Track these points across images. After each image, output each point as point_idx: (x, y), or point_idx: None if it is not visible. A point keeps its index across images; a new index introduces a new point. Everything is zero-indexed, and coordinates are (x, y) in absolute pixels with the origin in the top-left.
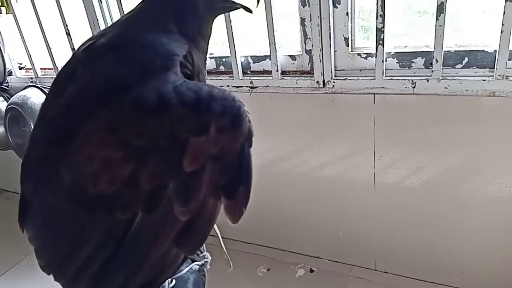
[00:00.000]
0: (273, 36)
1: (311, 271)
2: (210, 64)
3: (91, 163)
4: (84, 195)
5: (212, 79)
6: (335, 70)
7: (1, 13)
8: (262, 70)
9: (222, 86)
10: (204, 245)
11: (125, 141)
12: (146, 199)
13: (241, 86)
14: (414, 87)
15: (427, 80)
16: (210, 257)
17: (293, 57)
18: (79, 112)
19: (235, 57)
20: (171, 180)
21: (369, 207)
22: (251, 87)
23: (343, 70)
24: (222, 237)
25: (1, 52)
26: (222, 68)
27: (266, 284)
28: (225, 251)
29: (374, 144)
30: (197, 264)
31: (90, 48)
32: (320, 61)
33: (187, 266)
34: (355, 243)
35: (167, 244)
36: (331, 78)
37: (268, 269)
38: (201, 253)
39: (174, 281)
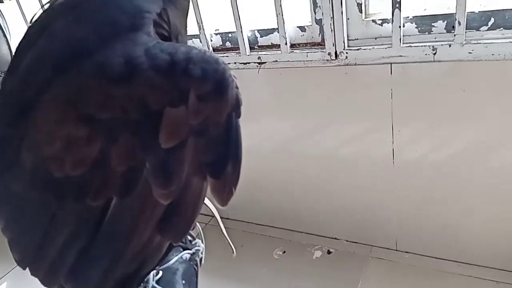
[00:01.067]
0: (280, 6)
1: (329, 252)
2: (216, 41)
3: (52, 143)
4: (49, 179)
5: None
6: (347, 39)
7: (3, 2)
8: (270, 44)
9: (228, 63)
10: (201, 231)
11: (88, 116)
12: (120, 182)
13: (248, 63)
14: (435, 54)
15: (449, 46)
16: (202, 245)
17: (302, 28)
18: (35, 84)
19: (241, 32)
20: (147, 159)
21: (388, 185)
22: (259, 63)
23: (357, 39)
24: (221, 217)
25: (7, 41)
26: (228, 44)
27: (282, 266)
28: (226, 236)
29: (392, 119)
30: (188, 253)
31: (48, 10)
32: (332, 30)
33: (176, 255)
34: (374, 223)
35: (148, 231)
36: (344, 49)
37: (284, 252)
38: (194, 239)
39: (161, 272)
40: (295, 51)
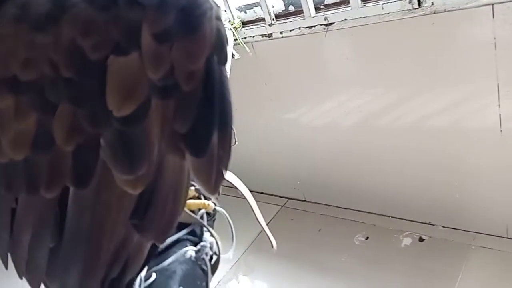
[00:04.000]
0: None
1: (421, 240)
2: (278, 6)
3: None
4: None
5: (281, 24)
6: None
7: None
8: (337, 1)
9: (292, 29)
10: (228, 218)
11: (11, 79)
12: (71, 167)
13: (314, 26)
14: None
15: None
16: (211, 240)
17: None
18: None
19: None
20: (101, 133)
21: (494, 159)
22: (326, 25)
23: None
24: (297, 199)
25: None
26: (291, 8)
27: (365, 254)
28: (264, 227)
29: (497, 75)
30: (193, 250)
31: None
32: None
33: (176, 253)
34: (478, 205)
35: (121, 229)
36: None
37: (367, 238)
38: (203, 233)
39: (154, 275)
40: (367, 4)
